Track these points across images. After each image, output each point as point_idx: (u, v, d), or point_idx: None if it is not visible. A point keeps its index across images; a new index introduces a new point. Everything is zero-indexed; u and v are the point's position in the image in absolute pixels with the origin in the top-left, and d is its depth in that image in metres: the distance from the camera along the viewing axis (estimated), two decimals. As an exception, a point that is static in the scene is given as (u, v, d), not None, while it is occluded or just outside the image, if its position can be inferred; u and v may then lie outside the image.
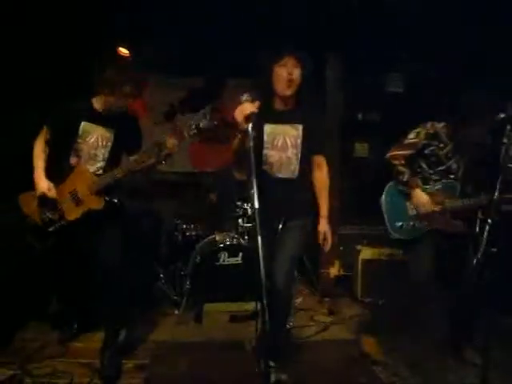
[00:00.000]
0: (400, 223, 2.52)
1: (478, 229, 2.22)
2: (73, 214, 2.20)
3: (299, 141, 2.12)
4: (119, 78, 2.17)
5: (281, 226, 2.17)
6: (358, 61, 3.75)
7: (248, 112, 1.72)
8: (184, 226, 3.56)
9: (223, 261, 3.19)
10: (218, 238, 3.29)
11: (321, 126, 2.28)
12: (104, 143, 2.27)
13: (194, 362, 2.44)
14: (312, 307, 3.37)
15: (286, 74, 2.00)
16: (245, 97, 1.80)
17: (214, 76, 4.41)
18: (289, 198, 2.11)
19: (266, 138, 2.12)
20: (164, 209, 3.89)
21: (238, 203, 3.45)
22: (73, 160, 2.25)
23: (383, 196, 2.61)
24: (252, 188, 1.57)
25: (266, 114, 1.99)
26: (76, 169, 2.24)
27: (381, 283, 3.36)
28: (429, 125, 2.46)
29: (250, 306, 2.84)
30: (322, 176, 2.24)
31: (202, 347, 2.65)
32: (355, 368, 2.45)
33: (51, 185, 2.21)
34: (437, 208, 2.40)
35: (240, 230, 3.38)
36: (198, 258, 3.16)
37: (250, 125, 1.69)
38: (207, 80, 4.45)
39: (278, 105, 2.13)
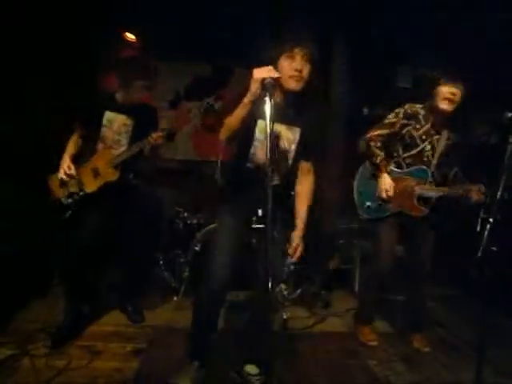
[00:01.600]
0: (369, 203, 2.61)
1: (478, 227, 2.22)
2: (91, 186, 2.49)
3: (293, 146, 1.94)
4: (132, 74, 2.44)
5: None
6: (366, 53, 3.71)
7: (270, 74, 1.49)
8: (185, 214, 3.56)
9: (223, 250, 3.20)
10: (218, 227, 3.30)
11: (320, 132, 2.08)
12: (126, 130, 2.54)
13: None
14: (309, 299, 3.38)
15: (293, 68, 1.75)
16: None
17: (222, 64, 4.37)
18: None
19: (257, 134, 1.89)
20: (166, 196, 3.89)
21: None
22: (99, 146, 2.53)
23: (356, 177, 2.73)
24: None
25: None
26: (100, 151, 2.53)
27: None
28: (407, 105, 2.52)
29: (248, 294, 2.85)
30: (307, 186, 2.04)
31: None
32: (350, 361, 2.47)
33: (72, 164, 2.47)
34: (404, 193, 2.49)
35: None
36: (198, 246, 3.18)
37: (267, 96, 1.44)
38: (214, 68, 4.41)
39: (279, 99, 1.83)
